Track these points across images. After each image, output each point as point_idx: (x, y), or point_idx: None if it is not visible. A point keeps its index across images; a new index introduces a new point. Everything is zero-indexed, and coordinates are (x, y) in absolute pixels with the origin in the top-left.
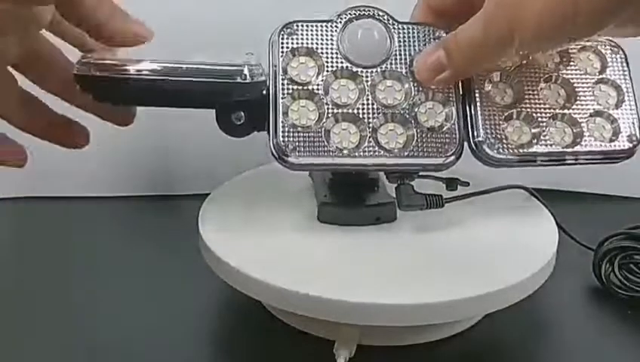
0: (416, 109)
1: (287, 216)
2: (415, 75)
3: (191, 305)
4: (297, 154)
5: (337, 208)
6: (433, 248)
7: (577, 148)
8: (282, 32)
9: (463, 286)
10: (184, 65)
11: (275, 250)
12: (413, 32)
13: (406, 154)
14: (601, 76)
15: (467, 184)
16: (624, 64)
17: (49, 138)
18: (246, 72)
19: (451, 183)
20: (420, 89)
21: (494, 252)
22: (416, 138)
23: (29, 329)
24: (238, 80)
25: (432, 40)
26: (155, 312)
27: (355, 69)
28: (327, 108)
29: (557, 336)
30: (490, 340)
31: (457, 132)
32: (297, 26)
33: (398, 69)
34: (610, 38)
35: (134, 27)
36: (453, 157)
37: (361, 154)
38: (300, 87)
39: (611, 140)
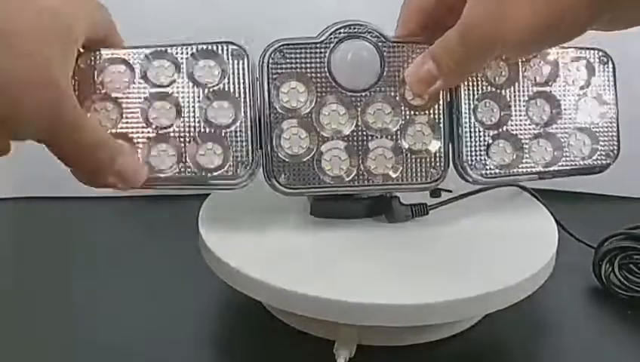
0: (404, 132)
1: (286, 216)
2: (408, 87)
3: (191, 305)
4: (289, 182)
5: (329, 202)
6: (433, 248)
7: (555, 167)
8: (272, 56)
9: (463, 286)
10: (184, 175)
11: (275, 249)
12: (404, 52)
13: (394, 178)
14: (587, 89)
15: (450, 191)
16: (611, 76)
17: None
18: (244, 183)
19: (435, 192)
20: (409, 111)
21: (494, 252)
22: (404, 162)
23: (29, 329)
24: (236, 188)
25: None
26: (155, 312)
27: (345, 93)
28: (318, 135)
29: (557, 336)
30: (490, 340)
31: (443, 155)
32: (287, 48)
33: (388, 92)
34: (602, 48)
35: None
36: (438, 181)
37: (351, 182)
38: (291, 114)
39: (590, 156)
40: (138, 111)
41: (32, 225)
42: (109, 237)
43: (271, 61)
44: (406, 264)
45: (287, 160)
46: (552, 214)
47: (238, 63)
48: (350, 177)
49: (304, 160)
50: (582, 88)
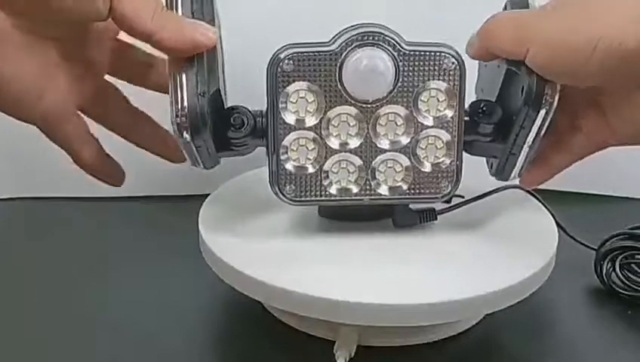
0: (416, 145)
1: (286, 216)
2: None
3: (191, 305)
4: (296, 193)
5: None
6: (433, 248)
7: None
8: (281, 64)
9: (463, 286)
10: None
11: (275, 250)
12: (420, 59)
13: (403, 190)
14: None
15: (462, 197)
16: None
17: (153, 149)
18: None
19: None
20: (422, 123)
21: (494, 252)
22: (413, 176)
23: (29, 330)
24: None
25: (439, 66)
26: (155, 312)
27: (356, 104)
28: (326, 146)
29: (557, 336)
30: (490, 340)
31: (455, 169)
32: (297, 56)
33: (402, 103)
34: None
35: (191, 33)
36: (449, 194)
37: (359, 193)
38: (299, 125)
39: None
40: None
41: (32, 225)
42: (109, 237)
43: (279, 69)
44: (406, 264)
45: (293, 171)
46: (552, 214)
47: None
48: (358, 189)
49: (311, 171)
50: None
